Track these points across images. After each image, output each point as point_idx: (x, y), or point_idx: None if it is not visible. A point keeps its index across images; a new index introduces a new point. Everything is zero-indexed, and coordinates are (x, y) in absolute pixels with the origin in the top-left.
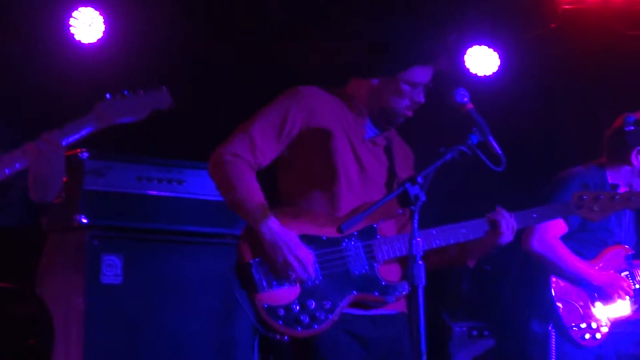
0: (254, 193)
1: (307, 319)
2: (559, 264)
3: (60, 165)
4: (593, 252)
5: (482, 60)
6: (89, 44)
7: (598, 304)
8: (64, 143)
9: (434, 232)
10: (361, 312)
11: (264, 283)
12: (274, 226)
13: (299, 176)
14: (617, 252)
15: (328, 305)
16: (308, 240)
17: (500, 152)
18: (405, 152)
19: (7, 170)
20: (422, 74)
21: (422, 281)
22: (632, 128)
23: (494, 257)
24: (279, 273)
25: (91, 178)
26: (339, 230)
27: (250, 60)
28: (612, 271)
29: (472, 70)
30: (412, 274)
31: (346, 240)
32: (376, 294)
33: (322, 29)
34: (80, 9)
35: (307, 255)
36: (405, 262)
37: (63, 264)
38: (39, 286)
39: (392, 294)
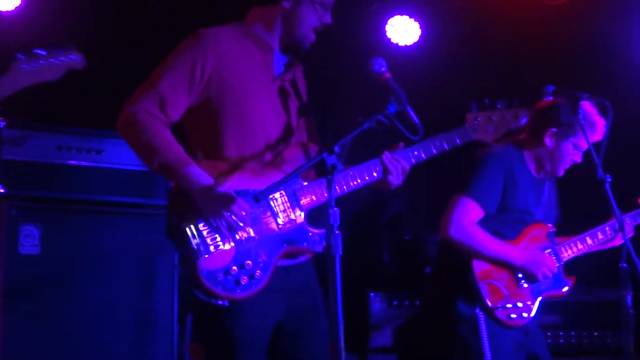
0: (176, 151)
1: (246, 279)
2: (479, 249)
3: None
4: (514, 231)
5: (403, 30)
6: (7, 12)
7: (523, 283)
8: None
9: (351, 172)
10: (280, 262)
11: (201, 248)
12: (206, 181)
13: (213, 126)
14: (539, 231)
15: (263, 264)
16: (238, 194)
17: (417, 121)
18: (303, 83)
19: None
20: None
21: (339, 250)
22: (550, 98)
23: (414, 226)
24: (215, 230)
25: (8, 147)
26: (255, 199)
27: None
28: (534, 249)
29: (393, 40)
30: (330, 244)
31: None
32: (305, 244)
33: None
34: None
35: (243, 208)
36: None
37: None
38: None
39: (320, 243)
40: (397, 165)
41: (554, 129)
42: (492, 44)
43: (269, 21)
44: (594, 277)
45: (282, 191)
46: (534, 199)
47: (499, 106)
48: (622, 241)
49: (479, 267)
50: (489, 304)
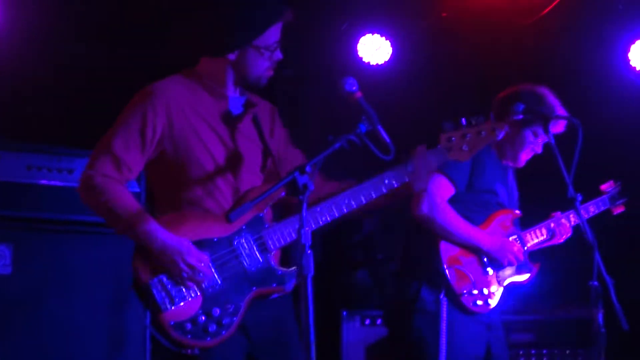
0: (133, 210)
1: (214, 327)
2: (450, 228)
3: None
4: (480, 216)
5: (374, 49)
6: None
7: (489, 269)
8: None
9: (318, 208)
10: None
11: (167, 301)
12: (163, 237)
13: (172, 179)
14: (505, 216)
15: (232, 309)
16: (200, 245)
17: (388, 141)
18: (270, 114)
19: None
20: (275, 33)
21: (311, 271)
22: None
23: (385, 245)
24: (178, 284)
25: None
26: (227, 219)
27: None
28: (501, 236)
29: (365, 59)
30: (301, 264)
31: (237, 237)
32: (274, 285)
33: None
34: None
35: (201, 260)
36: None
37: None
38: None
39: (290, 281)
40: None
41: (515, 117)
42: (463, 63)
43: (218, 71)
44: (566, 295)
45: (247, 236)
46: (500, 180)
47: (473, 122)
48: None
49: (447, 252)
50: (456, 289)
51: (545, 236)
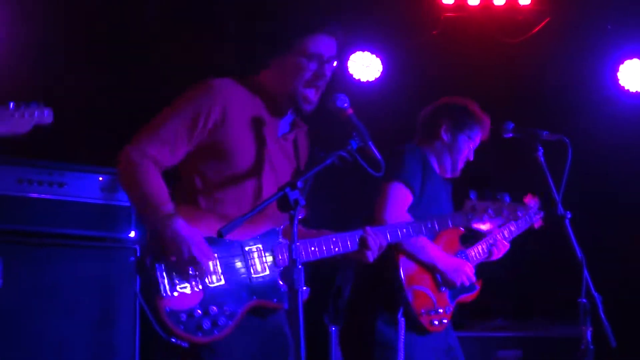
0: (159, 194)
1: (209, 324)
2: (413, 243)
3: None
4: (430, 235)
5: (364, 66)
6: None
7: (442, 288)
8: None
9: (312, 245)
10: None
11: (168, 287)
12: (176, 224)
13: (205, 173)
14: (453, 234)
15: (229, 311)
16: (212, 241)
17: (379, 157)
18: (306, 138)
19: None
20: (316, 44)
21: (302, 285)
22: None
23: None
24: (179, 271)
25: None
26: (219, 234)
27: (131, 60)
28: (452, 254)
29: (355, 76)
30: (292, 279)
31: (249, 243)
32: (274, 300)
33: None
34: None
35: (207, 256)
36: (306, 267)
37: None
38: None
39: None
40: (377, 241)
41: (448, 123)
42: (452, 80)
43: (272, 83)
44: (555, 312)
45: (259, 245)
46: (445, 195)
47: (498, 197)
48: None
49: (407, 271)
50: (414, 309)
51: (486, 253)
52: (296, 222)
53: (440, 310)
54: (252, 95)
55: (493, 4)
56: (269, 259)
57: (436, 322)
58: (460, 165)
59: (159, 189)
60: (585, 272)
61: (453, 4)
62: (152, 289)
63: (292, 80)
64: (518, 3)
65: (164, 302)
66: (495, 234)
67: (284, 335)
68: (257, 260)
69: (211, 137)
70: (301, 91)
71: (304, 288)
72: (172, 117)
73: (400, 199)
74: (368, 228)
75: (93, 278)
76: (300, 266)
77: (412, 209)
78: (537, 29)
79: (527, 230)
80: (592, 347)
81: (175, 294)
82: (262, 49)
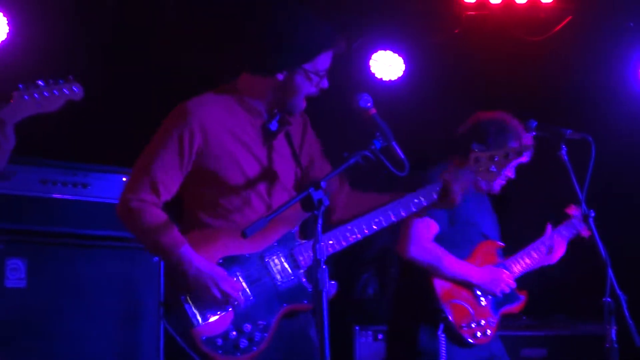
0: (169, 234)
1: (246, 342)
2: (439, 267)
3: None
4: (465, 250)
5: (387, 65)
6: None
7: (482, 299)
8: None
9: (349, 226)
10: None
11: (199, 317)
12: (197, 263)
13: (205, 195)
14: (490, 247)
15: (263, 325)
16: (231, 261)
17: (403, 157)
18: (303, 126)
19: None
20: (326, 60)
21: (326, 285)
22: (534, 134)
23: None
24: (210, 307)
25: None
26: (243, 234)
27: (153, 61)
28: (488, 266)
29: (377, 75)
30: (317, 279)
31: (268, 253)
32: (305, 302)
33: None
34: None
35: (234, 286)
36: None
37: None
38: None
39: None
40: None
41: (482, 145)
42: (475, 79)
43: (259, 89)
44: (579, 311)
45: (278, 252)
46: (479, 210)
47: (496, 158)
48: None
49: (442, 287)
50: (455, 324)
51: (530, 262)
52: (320, 222)
53: (482, 322)
54: (233, 106)
55: (515, 2)
56: (290, 263)
57: (479, 334)
58: (499, 182)
59: (167, 231)
60: (610, 271)
61: (475, 2)
62: (184, 322)
63: (296, 93)
64: (540, 1)
65: (198, 331)
66: (552, 235)
67: (310, 339)
68: (279, 268)
69: (200, 159)
70: (300, 104)
71: (332, 282)
72: (159, 154)
73: (423, 231)
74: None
75: (117, 278)
76: (324, 266)
77: (443, 236)
78: (559, 27)
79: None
80: (616, 345)
81: (205, 322)
82: (270, 60)
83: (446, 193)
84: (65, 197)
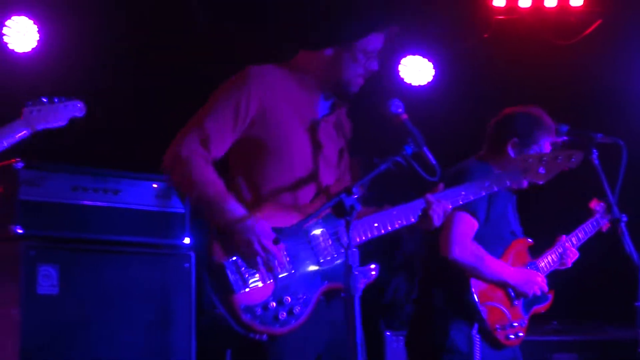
0: (216, 187)
1: (285, 315)
2: (481, 268)
3: None
4: (498, 248)
5: (416, 70)
6: (23, 53)
7: (515, 301)
8: None
9: (375, 221)
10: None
11: (240, 283)
12: (243, 217)
13: (256, 165)
14: (521, 246)
15: (303, 299)
16: (276, 231)
17: (435, 162)
18: (347, 123)
19: None
20: (376, 41)
21: (358, 291)
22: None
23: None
24: (252, 265)
25: (26, 188)
26: (275, 241)
27: (183, 65)
28: (521, 267)
29: (407, 80)
30: (349, 284)
31: (313, 229)
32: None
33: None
34: (13, 17)
35: (279, 245)
36: (371, 243)
37: None
38: None
39: (362, 281)
40: (441, 206)
41: (515, 139)
42: (505, 84)
43: (314, 65)
44: (611, 315)
45: (323, 229)
46: (510, 207)
47: (545, 159)
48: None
49: (478, 288)
50: (489, 325)
51: (556, 262)
52: (352, 228)
53: (515, 324)
54: (292, 79)
55: (544, 5)
56: (335, 241)
57: (512, 336)
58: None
59: (215, 183)
60: None
61: (504, 6)
62: (224, 287)
63: (345, 72)
64: (570, 4)
65: (238, 298)
66: (564, 242)
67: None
68: (323, 244)
69: (255, 125)
70: (351, 81)
71: (373, 266)
72: (214, 109)
73: (466, 230)
74: (429, 195)
75: (148, 285)
76: (356, 272)
77: (480, 231)
78: (589, 31)
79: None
80: None
81: (247, 289)
82: (319, 37)
83: (425, 215)
84: (97, 203)
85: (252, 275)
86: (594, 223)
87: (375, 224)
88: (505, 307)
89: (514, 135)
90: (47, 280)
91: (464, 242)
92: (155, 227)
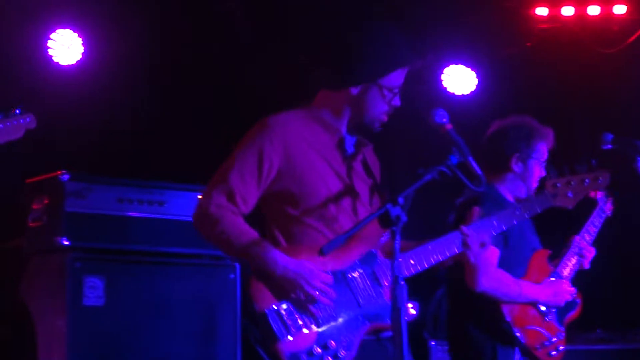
0: (250, 236)
1: (330, 359)
2: (510, 294)
3: None
4: (520, 267)
5: (459, 80)
6: (68, 65)
7: (548, 315)
8: None
9: (410, 258)
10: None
11: (283, 330)
12: (284, 262)
13: (289, 212)
14: (541, 258)
15: (346, 342)
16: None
17: (480, 172)
18: (374, 161)
19: None
20: (398, 77)
21: (404, 302)
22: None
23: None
24: (300, 308)
25: (72, 200)
26: (320, 252)
27: (225, 81)
28: (545, 279)
29: (450, 90)
30: (395, 295)
31: (350, 271)
32: (388, 321)
33: (293, 43)
34: (58, 31)
35: (324, 280)
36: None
37: (45, 286)
38: (19, 309)
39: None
40: (477, 239)
41: (517, 154)
42: (548, 92)
43: (336, 106)
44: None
45: (360, 270)
46: (526, 225)
47: (577, 169)
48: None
49: (511, 313)
50: (529, 347)
51: (577, 264)
52: (398, 238)
53: (554, 339)
54: (313, 122)
55: (587, 14)
56: (373, 281)
57: (554, 353)
58: (534, 186)
59: (248, 232)
60: None
61: (547, 15)
62: (268, 336)
63: (370, 110)
64: (613, 12)
65: (283, 346)
66: (578, 242)
67: None
68: (361, 285)
69: (282, 174)
70: (376, 118)
71: (412, 303)
72: (238, 164)
73: (488, 259)
74: (464, 228)
75: (194, 295)
76: (402, 283)
77: (502, 255)
78: (632, 38)
79: (632, 239)
80: None
81: (290, 337)
82: (342, 76)
83: (464, 246)
84: (142, 215)
85: (295, 321)
86: (600, 213)
87: (412, 261)
88: (540, 326)
89: (515, 150)
90: (93, 292)
91: (489, 271)
92: (200, 238)
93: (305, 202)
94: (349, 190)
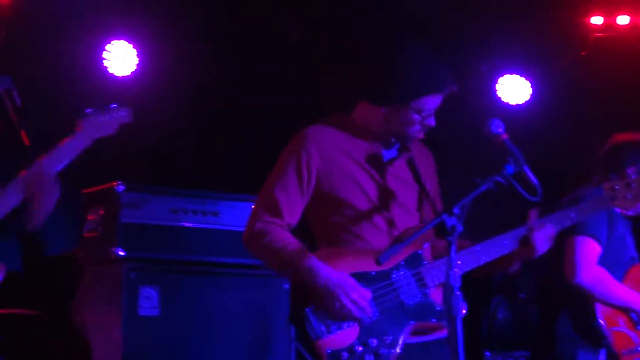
0: (294, 248)
1: (372, 357)
2: (606, 293)
3: (55, 190)
4: (616, 273)
5: (513, 89)
6: (123, 77)
7: (638, 325)
8: (59, 167)
9: (479, 248)
10: (414, 339)
11: (323, 329)
12: (325, 273)
13: (330, 218)
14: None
15: (389, 340)
16: (358, 278)
17: (536, 182)
18: (426, 158)
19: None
20: (431, 102)
21: (460, 312)
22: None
23: (528, 285)
24: (337, 318)
25: (127, 211)
26: (377, 262)
27: (275, 93)
28: None
29: (504, 99)
30: (450, 305)
31: (395, 271)
32: (433, 320)
33: (340, 59)
34: (113, 42)
35: (363, 295)
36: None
37: (100, 296)
38: (76, 319)
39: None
40: (543, 232)
41: (633, 168)
42: (604, 102)
43: (374, 117)
44: None
45: (405, 272)
46: (628, 233)
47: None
48: None
49: (603, 313)
50: (616, 350)
51: None
52: (454, 248)
53: None
54: (348, 131)
55: None
56: (418, 282)
57: None
58: None
59: (292, 243)
60: None
61: (602, 24)
62: (308, 335)
63: (400, 128)
64: None
65: (323, 344)
66: None
67: None
68: (406, 286)
69: (322, 183)
70: (409, 135)
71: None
72: (279, 178)
73: (589, 254)
74: (533, 221)
75: (248, 306)
76: (458, 292)
77: (601, 258)
78: None
79: None
80: None
81: (331, 333)
82: (375, 94)
83: (527, 242)
84: (196, 225)
85: (336, 323)
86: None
87: (459, 262)
88: (631, 330)
89: (631, 164)
90: (148, 302)
91: (589, 266)
92: None
93: (344, 208)
94: (387, 195)
